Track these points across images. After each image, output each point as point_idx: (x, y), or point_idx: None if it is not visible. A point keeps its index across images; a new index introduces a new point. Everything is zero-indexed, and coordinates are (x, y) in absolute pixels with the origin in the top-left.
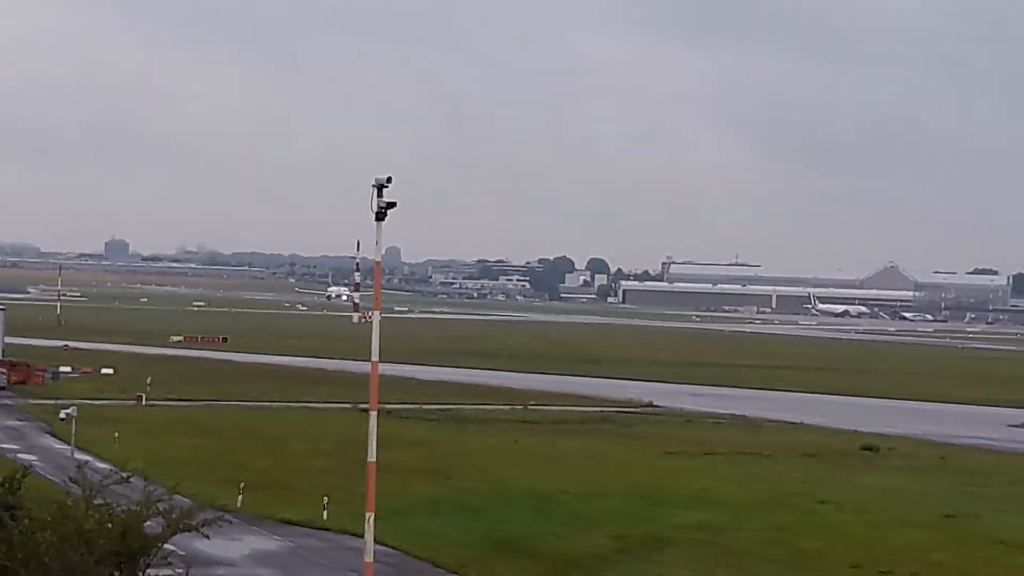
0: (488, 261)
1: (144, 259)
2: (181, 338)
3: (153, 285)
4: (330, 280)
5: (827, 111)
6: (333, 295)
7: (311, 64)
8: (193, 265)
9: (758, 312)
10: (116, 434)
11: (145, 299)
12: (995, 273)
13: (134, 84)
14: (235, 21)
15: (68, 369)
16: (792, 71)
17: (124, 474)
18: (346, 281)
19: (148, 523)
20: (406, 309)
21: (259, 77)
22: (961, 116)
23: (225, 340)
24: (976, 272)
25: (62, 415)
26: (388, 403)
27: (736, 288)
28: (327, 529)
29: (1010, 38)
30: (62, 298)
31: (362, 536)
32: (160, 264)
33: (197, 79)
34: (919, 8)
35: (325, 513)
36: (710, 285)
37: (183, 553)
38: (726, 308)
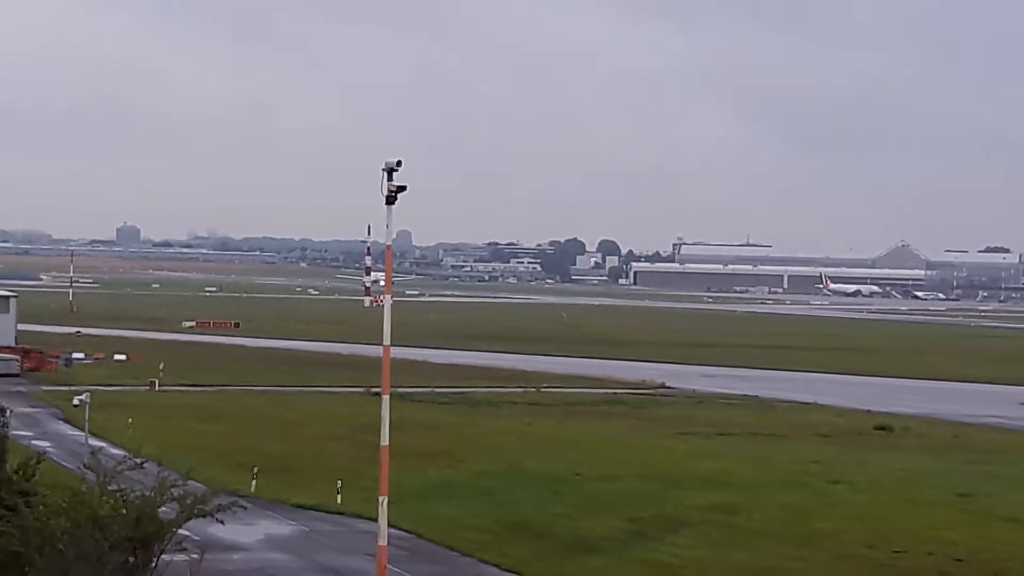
0: (499, 243)
1: (155, 245)
2: (193, 323)
3: (165, 271)
4: (342, 263)
5: (831, 89)
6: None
7: (307, 48)
8: (204, 250)
9: (770, 292)
10: (130, 420)
11: (157, 285)
12: (1007, 251)
13: (139, 69)
14: (231, 6)
15: (81, 355)
16: (794, 48)
17: (138, 460)
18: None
19: (162, 508)
20: (417, 292)
21: (257, 60)
22: (971, 95)
23: (237, 325)
24: (988, 250)
25: (75, 401)
26: (400, 387)
27: (747, 268)
28: (341, 513)
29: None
30: (74, 284)
31: (376, 520)
32: (171, 250)
33: (199, 64)
34: None
35: (339, 497)
36: (721, 266)
37: (197, 538)
38: (737, 289)
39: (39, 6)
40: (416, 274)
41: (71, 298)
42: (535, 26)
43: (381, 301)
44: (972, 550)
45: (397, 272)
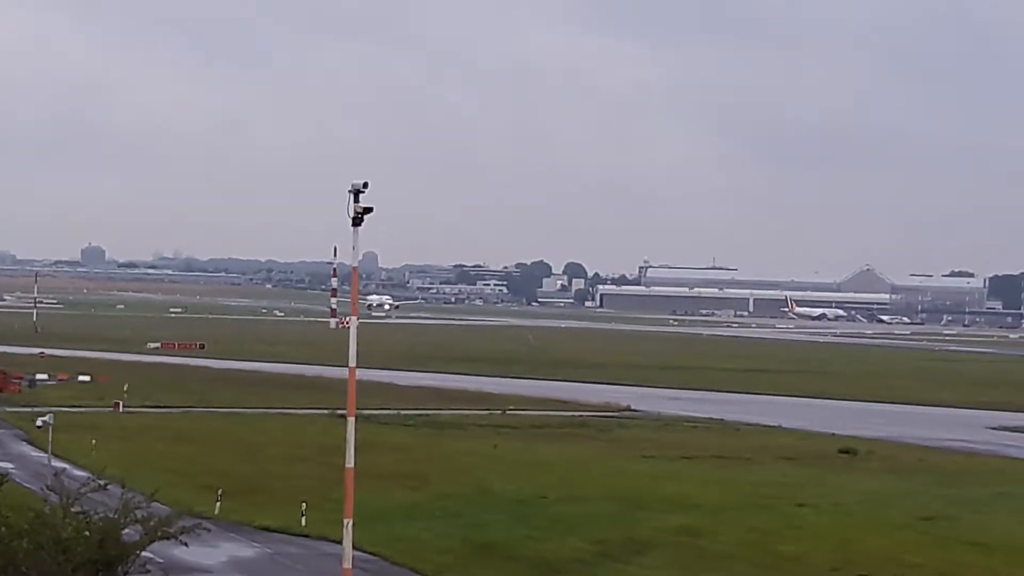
0: (465, 266)
1: (120, 266)
2: (158, 345)
3: (130, 292)
4: (307, 283)
5: (797, 112)
6: (374, 303)
7: (273, 66)
8: (169, 271)
9: (735, 315)
10: (93, 441)
11: (122, 306)
12: (971, 276)
13: (104, 87)
14: (190, 24)
15: (45, 376)
16: (760, 69)
17: (101, 481)
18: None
19: (126, 531)
20: (383, 314)
21: (223, 80)
22: (937, 119)
23: (202, 346)
24: (952, 275)
25: (39, 422)
26: (366, 409)
27: (713, 292)
28: (305, 535)
29: (983, 42)
30: (38, 305)
31: (340, 542)
32: (136, 271)
33: (163, 83)
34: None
35: (303, 519)
36: (687, 289)
37: (161, 560)
38: (703, 312)
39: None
40: (421, 299)
41: (35, 319)
42: (502, 46)
43: (347, 323)
44: (937, 573)
45: (403, 297)
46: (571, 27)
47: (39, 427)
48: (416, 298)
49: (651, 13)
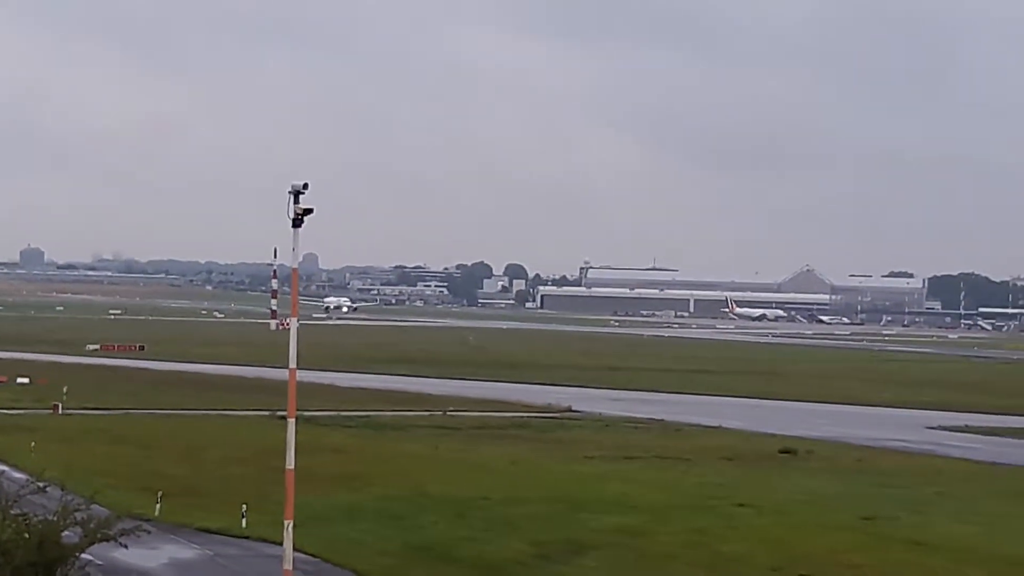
0: (406, 267)
1: (59, 267)
2: (98, 346)
3: (69, 293)
4: (248, 285)
5: (736, 112)
6: (332, 306)
7: (212, 69)
8: (109, 273)
9: (676, 316)
10: (32, 443)
11: (61, 307)
12: (910, 276)
13: (41, 89)
14: (129, 25)
15: None
16: (698, 71)
17: (41, 484)
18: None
19: (65, 533)
20: (324, 316)
21: (163, 81)
22: (873, 119)
23: (142, 348)
24: (892, 275)
25: None
26: (306, 410)
27: (654, 292)
28: (246, 537)
29: (908, 39)
30: None
31: (281, 544)
32: (76, 272)
33: (102, 84)
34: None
35: (244, 521)
36: (628, 290)
37: (101, 563)
38: (644, 312)
39: None
40: (365, 300)
41: None
42: (441, 47)
43: (287, 324)
44: (877, 573)
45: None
46: (511, 29)
47: None
48: (375, 300)
49: (589, 17)
